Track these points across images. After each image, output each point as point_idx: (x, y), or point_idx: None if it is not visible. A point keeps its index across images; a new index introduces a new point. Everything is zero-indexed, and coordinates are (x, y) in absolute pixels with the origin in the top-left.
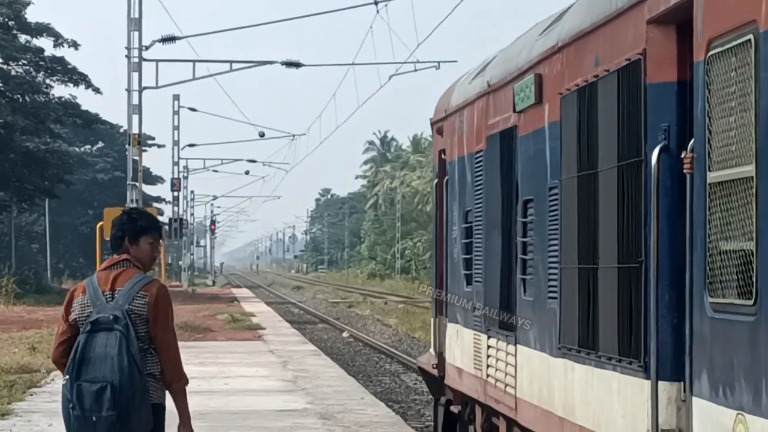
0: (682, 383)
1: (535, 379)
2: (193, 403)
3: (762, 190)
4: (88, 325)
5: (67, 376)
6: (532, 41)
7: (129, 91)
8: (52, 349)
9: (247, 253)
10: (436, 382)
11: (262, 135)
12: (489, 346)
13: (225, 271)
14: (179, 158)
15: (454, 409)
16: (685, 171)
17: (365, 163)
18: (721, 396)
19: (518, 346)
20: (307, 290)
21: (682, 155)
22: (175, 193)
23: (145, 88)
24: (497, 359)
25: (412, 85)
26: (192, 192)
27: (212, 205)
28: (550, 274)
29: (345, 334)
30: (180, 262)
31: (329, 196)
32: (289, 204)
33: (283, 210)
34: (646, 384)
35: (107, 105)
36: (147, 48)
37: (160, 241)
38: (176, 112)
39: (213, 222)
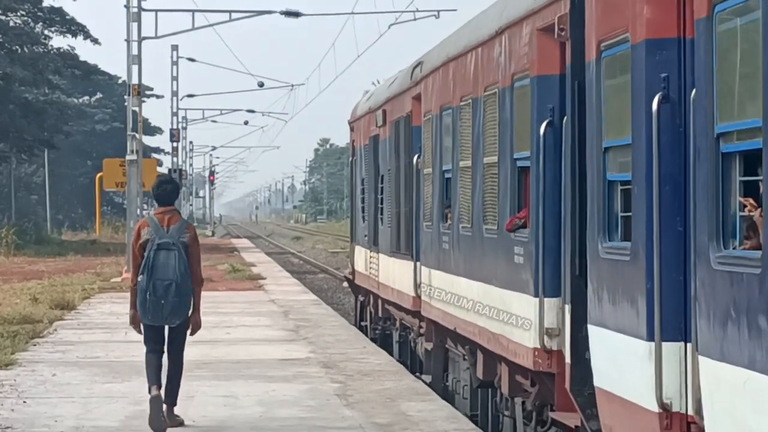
0: (421, 262)
1: (384, 270)
2: (195, 352)
3: (435, 179)
4: (155, 245)
5: (142, 276)
6: (385, 89)
7: (128, 41)
8: (132, 270)
9: (246, 203)
10: (352, 285)
11: (261, 85)
12: (370, 256)
13: (224, 221)
14: (178, 109)
15: (361, 298)
16: (419, 167)
17: None
18: (428, 264)
19: (379, 254)
20: (307, 240)
21: (418, 160)
22: (174, 144)
23: (145, 38)
24: (373, 263)
25: (411, 34)
26: (191, 143)
27: (211, 155)
28: (388, 214)
29: (345, 284)
30: None
31: (328, 146)
32: (288, 154)
33: (282, 160)
34: (413, 264)
35: (106, 56)
36: None
37: None
38: (175, 63)
39: (212, 173)
